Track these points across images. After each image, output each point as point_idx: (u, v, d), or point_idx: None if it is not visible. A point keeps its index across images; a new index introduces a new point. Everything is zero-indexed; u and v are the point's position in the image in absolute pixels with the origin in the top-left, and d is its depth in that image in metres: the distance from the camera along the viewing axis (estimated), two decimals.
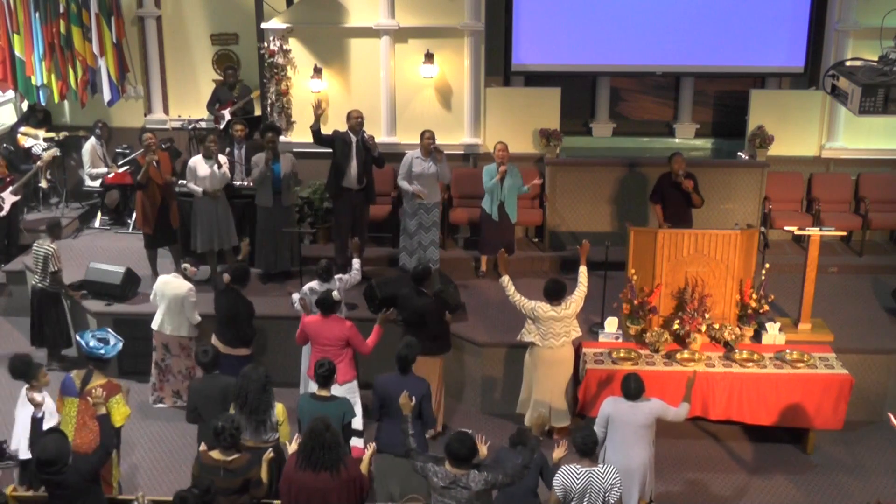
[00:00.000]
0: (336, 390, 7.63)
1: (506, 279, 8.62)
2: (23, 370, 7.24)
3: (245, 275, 8.93)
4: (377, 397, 7.30)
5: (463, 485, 5.87)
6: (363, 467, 6.44)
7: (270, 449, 6.73)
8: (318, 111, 10.01)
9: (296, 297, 8.91)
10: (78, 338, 7.38)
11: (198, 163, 10.22)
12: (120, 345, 7.39)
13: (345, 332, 8.16)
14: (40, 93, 12.09)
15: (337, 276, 8.99)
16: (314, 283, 8.89)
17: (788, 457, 8.79)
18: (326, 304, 8.20)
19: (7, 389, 9.76)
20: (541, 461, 6.65)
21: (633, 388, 7.17)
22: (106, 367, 7.38)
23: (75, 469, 6.08)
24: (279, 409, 7.15)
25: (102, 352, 7.25)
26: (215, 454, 6.35)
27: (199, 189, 10.15)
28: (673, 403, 8.50)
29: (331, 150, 10.20)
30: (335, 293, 8.39)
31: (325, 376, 7.15)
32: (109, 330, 7.55)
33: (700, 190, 10.30)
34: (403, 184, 10.38)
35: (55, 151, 11.67)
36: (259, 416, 6.98)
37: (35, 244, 9.85)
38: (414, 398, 6.78)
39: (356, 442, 7.74)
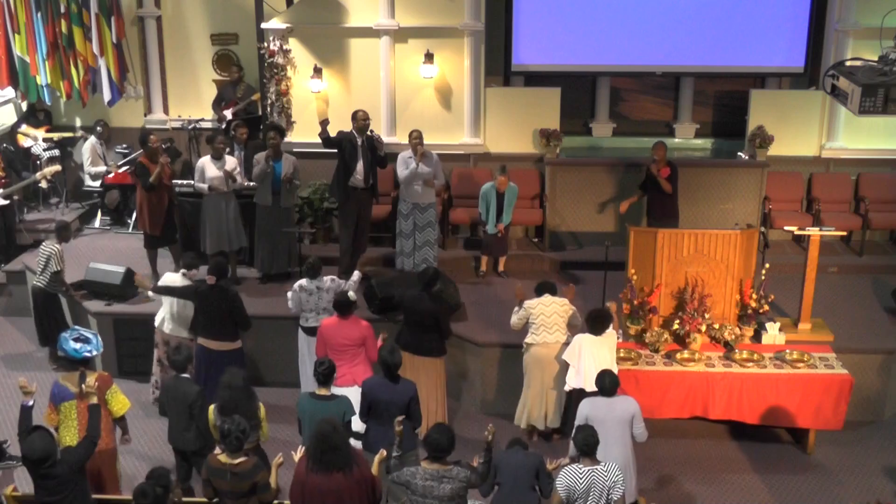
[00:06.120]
0: (354, 393, 7.64)
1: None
2: None
3: (225, 268, 8.86)
4: (365, 400, 7.31)
5: (448, 478, 6.06)
6: (374, 469, 6.44)
7: (281, 454, 6.73)
8: (326, 124, 9.92)
9: (290, 294, 8.94)
10: (60, 346, 7.30)
11: (206, 164, 10.18)
12: (99, 340, 7.41)
13: (362, 332, 8.13)
14: (45, 92, 12.09)
15: (329, 277, 8.96)
16: (304, 281, 8.89)
17: (788, 457, 8.79)
18: (343, 305, 8.16)
19: (7, 389, 9.78)
20: (538, 463, 6.65)
21: (607, 383, 7.15)
22: (92, 365, 7.40)
23: (63, 461, 6.26)
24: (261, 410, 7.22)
25: (89, 351, 7.26)
26: (222, 457, 6.33)
27: (205, 186, 10.10)
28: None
29: (337, 151, 10.10)
30: (350, 293, 8.34)
31: (326, 374, 7.13)
32: (80, 328, 7.50)
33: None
34: (407, 173, 10.20)
35: (56, 168, 11.55)
36: (252, 423, 6.93)
37: (43, 244, 9.87)
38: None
39: (355, 444, 7.72)
